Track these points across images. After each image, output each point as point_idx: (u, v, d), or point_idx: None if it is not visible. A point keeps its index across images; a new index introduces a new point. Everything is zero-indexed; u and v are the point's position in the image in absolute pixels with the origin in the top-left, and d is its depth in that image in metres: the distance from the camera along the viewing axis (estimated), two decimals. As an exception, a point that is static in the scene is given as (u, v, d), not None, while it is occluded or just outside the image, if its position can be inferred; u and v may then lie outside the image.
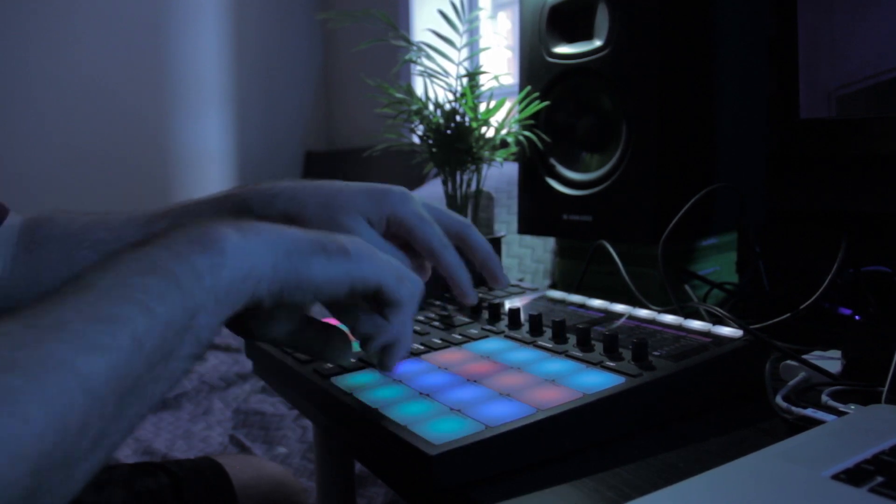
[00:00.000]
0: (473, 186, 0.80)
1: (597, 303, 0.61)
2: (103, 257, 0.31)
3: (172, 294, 0.30)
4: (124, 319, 0.28)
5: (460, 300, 0.49)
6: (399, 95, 0.78)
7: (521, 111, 0.78)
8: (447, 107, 0.78)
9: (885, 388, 0.41)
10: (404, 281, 0.39)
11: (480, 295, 0.67)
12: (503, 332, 0.55)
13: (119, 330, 0.27)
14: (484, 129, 0.78)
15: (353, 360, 0.49)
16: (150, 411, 0.30)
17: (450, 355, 0.51)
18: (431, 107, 0.78)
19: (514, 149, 0.80)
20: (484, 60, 1.66)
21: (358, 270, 0.37)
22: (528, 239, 1.26)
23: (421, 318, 0.62)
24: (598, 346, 0.49)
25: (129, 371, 0.27)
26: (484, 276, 0.51)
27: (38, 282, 0.48)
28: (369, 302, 0.39)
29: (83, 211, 0.51)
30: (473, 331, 0.56)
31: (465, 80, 0.77)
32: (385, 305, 0.39)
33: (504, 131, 0.79)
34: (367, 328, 0.40)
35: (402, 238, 0.47)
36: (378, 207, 0.46)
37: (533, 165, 0.82)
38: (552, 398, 0.41)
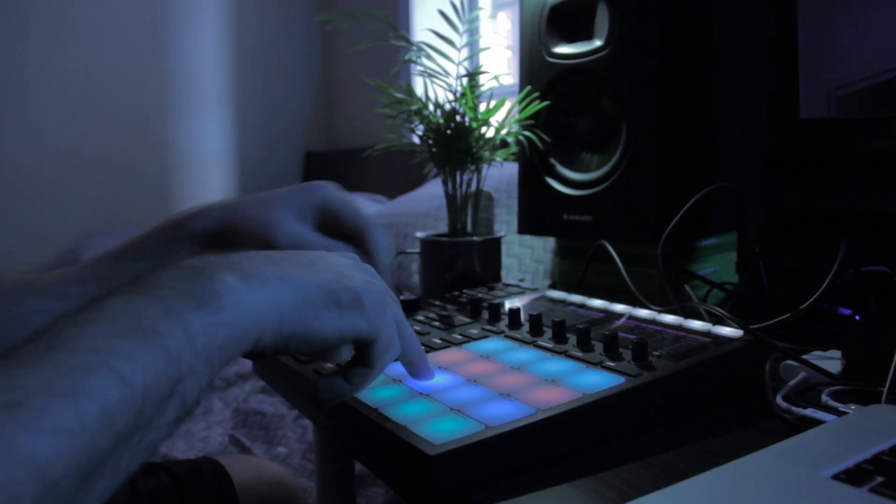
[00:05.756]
0: (473, 186, 0.80)
1: (597, 303, 0.61)
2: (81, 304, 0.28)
3: (157, 361, 0.26)
4: (95, 393, 0.24)
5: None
6: (399, 95, 0.78)
7: (521, 111, 0.78)
8: (447, 107, 0.78)
9: (885, 388, 0.41)
10: (392, 345, 0.39)
11: (480, 295, 0.67)
12: (503, 332, 0.55)
13: (87, 406, 0.24)
14: (484, 129, 0.78)
15: None
16: (124, 482, 0.27)
17: (450, 355, 0.51)
18: (431, 107, 0.78)
19: (514, 149, 0.80)
20: (484, 60, 1.66)
21: (366, 325, 0.36)
22: (528, 239, 1.26)
23: (421, 317, 0.62)
24: (598, 346, 0.49)
25: (95, 451, 0.24)
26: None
27: None
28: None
29: (24, 270, 0.48)
30: (473, 331, 0.56)
31: (465, 80, 0.77)
32: (362, 353, 0.38)
33: (504, 131, 0.79)
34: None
35: (333, 227, 0.48)
36: (305, 198, 0.47)
37: (533, 165, 0.82)
38: (552, 398, 0.41)
